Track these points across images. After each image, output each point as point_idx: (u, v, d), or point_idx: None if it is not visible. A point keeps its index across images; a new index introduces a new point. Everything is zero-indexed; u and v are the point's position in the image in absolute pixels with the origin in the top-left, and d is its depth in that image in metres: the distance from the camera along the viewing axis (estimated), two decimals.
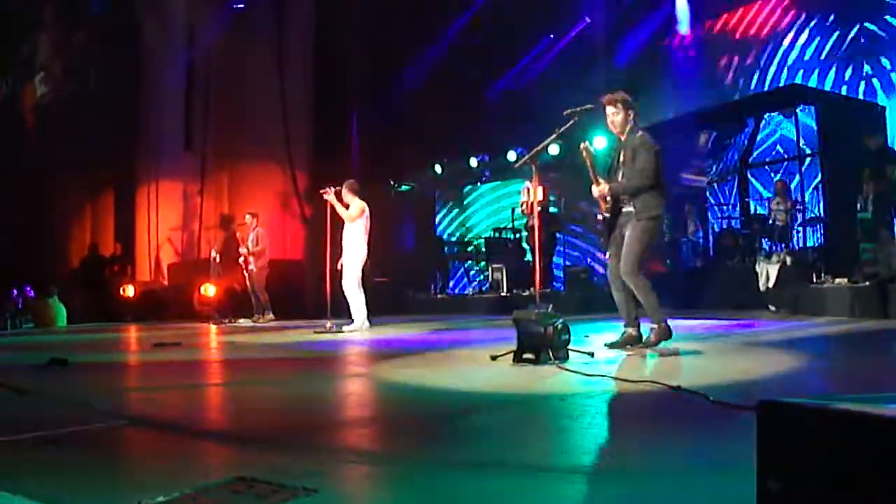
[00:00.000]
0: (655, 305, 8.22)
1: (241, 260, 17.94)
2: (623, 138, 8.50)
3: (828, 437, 1.96)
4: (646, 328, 8.22)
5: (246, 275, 17.95)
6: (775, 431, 2.08)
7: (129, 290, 21.73)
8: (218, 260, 18.98)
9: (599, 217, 8.77)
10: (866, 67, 17.71)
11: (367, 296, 13.52)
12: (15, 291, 20.98)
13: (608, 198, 8.47)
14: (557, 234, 18.74)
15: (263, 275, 17.75)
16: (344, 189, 13.59)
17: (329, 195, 13.38)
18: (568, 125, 8.38)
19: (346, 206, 13.44)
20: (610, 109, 8.47)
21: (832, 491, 1.92)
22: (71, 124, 24.86)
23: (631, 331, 8.36)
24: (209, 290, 18.93)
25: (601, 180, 8.54)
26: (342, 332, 12.96)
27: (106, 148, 24.26)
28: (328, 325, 13.19)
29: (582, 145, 8.63)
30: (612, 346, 8.28)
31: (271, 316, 17.59)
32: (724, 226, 18.19)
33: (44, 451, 4.00)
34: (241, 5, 23.27)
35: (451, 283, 22.16)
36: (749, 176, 18.82)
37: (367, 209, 13.53)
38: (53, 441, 4.20)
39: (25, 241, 24.60)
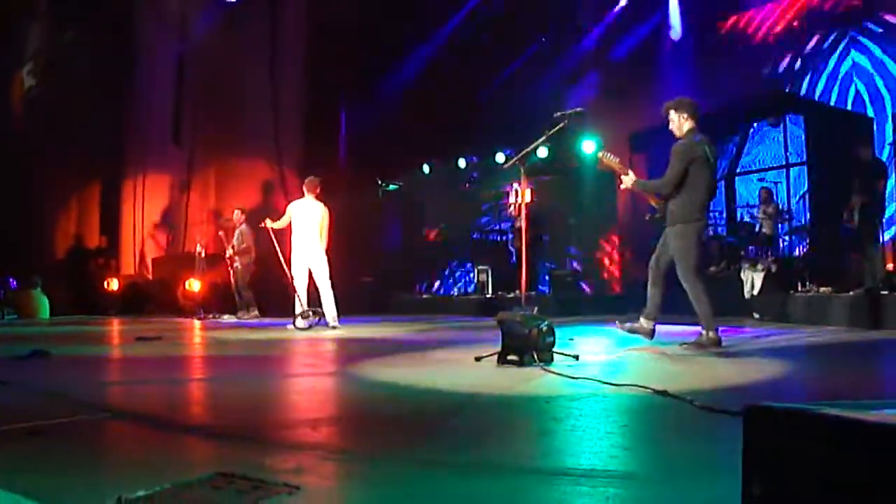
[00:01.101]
0: (707, 313, 8.60)
1: (226, 256, 17.92)
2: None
3: (814, 442, 1.96)
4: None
5: (231, 271, 17.91)
6: (762, 436, 2.07)
7: (114, 284, 21.67)
8: (203, 255, 18.93)
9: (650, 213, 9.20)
10: (856, 80, 17.76)
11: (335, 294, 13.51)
12: None
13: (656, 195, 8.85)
14: (544, 237, 18.74)
15: (249, 272, 17.71)
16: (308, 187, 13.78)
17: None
18: (557, 128, 8.40)
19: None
20: (670, 115, 8.93)
21: (817, 496, 1.92)
22: (58, 115, 24.74)
23: (644, 323, 8.94)
24: (193, 285, 18.90)
25: (629, 171, 9.06)
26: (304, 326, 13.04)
27: (93, 140, 24.14)
28: (301, 321, 13.21)
29: (599, 155, 9.32)
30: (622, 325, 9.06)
31: (256, 312, 17.56)
32: (710, 233, 18.22)
33: (27, 442, 3.98)
34: (234, 0, 23.25)
35: (436, 284, 22.16)
36: (736, 184, 18.86)
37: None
38: (36, 433, 4.17)
39: (9, 232, 24.50)
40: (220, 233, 18.02)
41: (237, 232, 17.71)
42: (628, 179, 9.04)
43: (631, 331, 9.18)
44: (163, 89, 24.08)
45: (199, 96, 24.40)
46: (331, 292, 13.31)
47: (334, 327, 13.08)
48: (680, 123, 8.87)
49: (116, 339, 13.19)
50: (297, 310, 13.53)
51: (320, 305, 13.37)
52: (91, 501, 2.88)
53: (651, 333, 8.98)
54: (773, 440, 2.04)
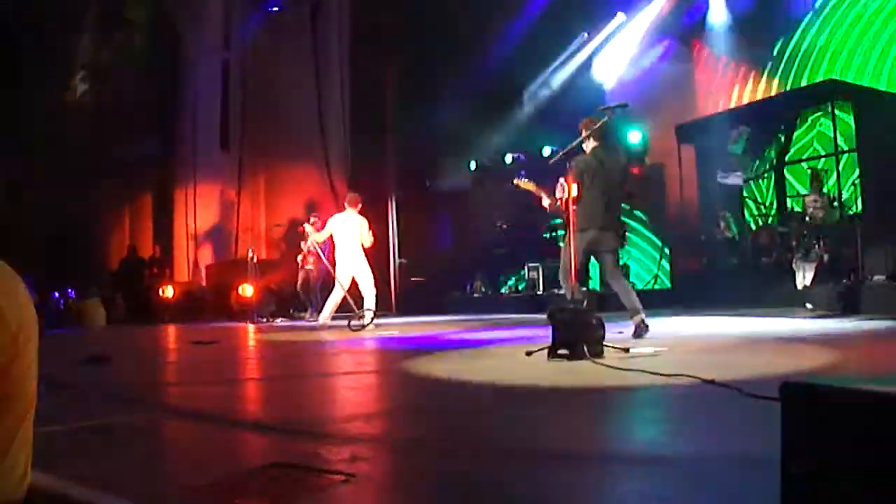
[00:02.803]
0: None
1: (300, 257, 18.17)
2: None
3: (853, 419, 1.98)
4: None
5: (301, 273, 18.12)
6: (799, 414, 2.11)
7: (168, 291, 21.92)
8: (255, 260, 19.11)
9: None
10: None
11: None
12: (56, 293, 21.25)
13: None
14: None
15: (322, 274, 17.66)
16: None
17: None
18: (602, 121, 8.43)
19: None
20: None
21: (856, 474, 1.94)
22: (109, 126, 25.11)
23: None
24: (247, 290, 19.07)
25: (542, 194, 9.76)
26: (369, 325, 13.31)
27: (144, 150, 24.49)
28: (357, 322, 13.41)
29: (515, 181, 10.16)
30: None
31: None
32: (761, 223, 18.07)
33: (92, 439, 4.10)
34: (277, 7, 23.41)
35: (487, 282, 22.16)
36: (786, 173, 18.67)
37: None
38: (98, 431, 4.30)
39: (66, 243, 24.89)
40: (309, 243, 17.79)
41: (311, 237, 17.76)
42: (546, 201, 9.66)
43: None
44: (210, 98, 24.30)
45: (245, 103, 24.63)
46: (373, 291, 13.94)
47: (363, 316, 13.64)
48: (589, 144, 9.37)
49: (173, 344, 13.37)
50: (328, 308, 14.27)
51: (358, 306, 13.96)
52: (153, 491, 2.98)
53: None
54: (811, 418, 2.07)
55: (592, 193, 9.26)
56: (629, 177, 9.69)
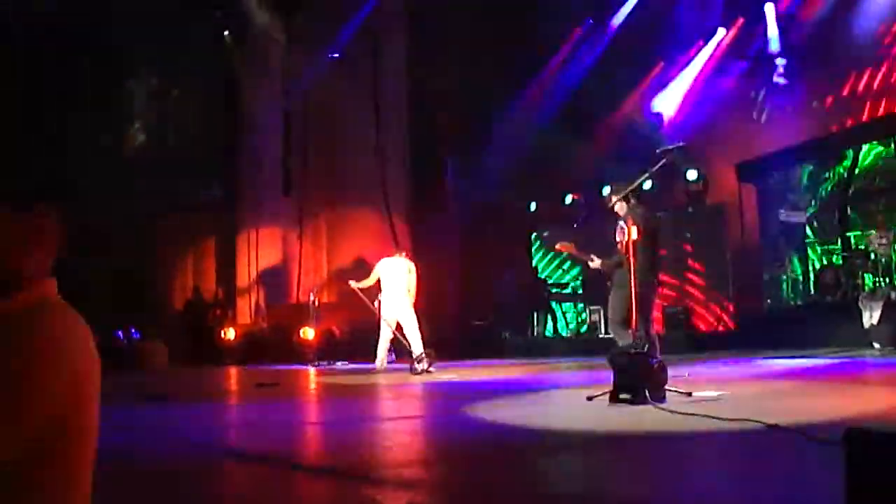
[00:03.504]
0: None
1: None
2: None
3: None
4: None
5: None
6: (860, 459, 2.08)
7: (230, 333, 22.09)
8: (317, 303, 19.19)
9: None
10: None
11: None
12: (120, 332, 21.54)
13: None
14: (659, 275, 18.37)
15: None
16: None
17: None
18: (661, 163, 8.39)
19: None
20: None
21: None
22: (172, 171, 25.53)
23: None
24: (308, 333, 19.15)
25: (592, 256, 9.75)
26: (429, 371, 13.19)
27: (207, 195, 24.86)
28: (417, 365, 13.34)
29: (557, 247, 10.50)
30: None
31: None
32: (825, 261, 17.81)
33: (153, 482, 4.14)
34: (337, 54, 23.66)
35: (548, 325, 22.07)
36: (849, 210, 18.40)
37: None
38: (161, 473, 4.34)
39: (131, 284, 25.26)
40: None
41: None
42: (596, 262, 9.67)
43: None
44: (271, 143, 24.56)
45: (306, 149, 24.85)
46: (419, 336, 13.77)
47: (422, 360, 13.41)
48: (622, 206, 9.27)
49: (235, 386, 13.48)
50: (380, 352, 14.16)
51: (410, 352, 13.73)
52: None
53: None
54: (874, 464, 2.05)
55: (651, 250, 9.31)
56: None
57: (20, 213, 2.33)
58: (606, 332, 17.52)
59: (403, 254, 14.50)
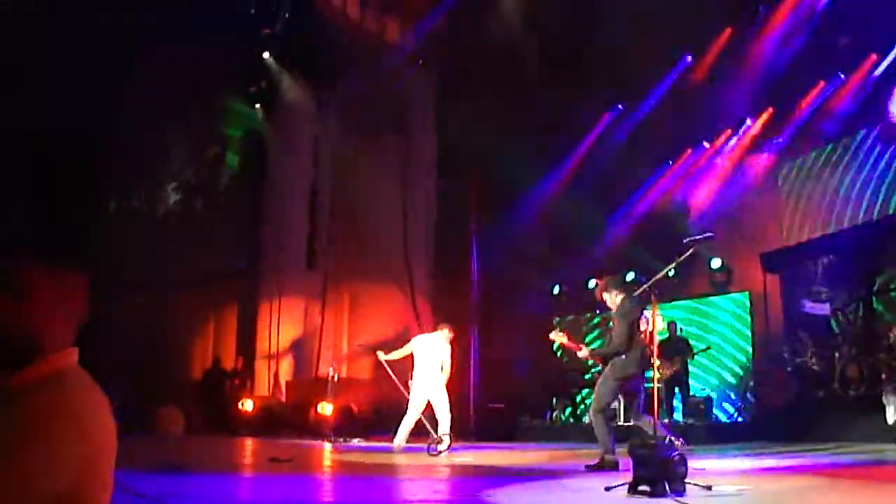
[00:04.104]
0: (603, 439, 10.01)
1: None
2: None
3: None
4: None
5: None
6: None
7: (248, 404, 21.97)
8: (336, 378, 19.09)
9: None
10: None
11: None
12: (137, 398, 21.50)
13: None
14: (689, 363, 18.21)
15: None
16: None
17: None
18: (687, 253, 8.36)
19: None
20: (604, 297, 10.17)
21: None
22: (197, 237, 25.71)
23: (608, 458, 9.75)
24: (326, 408, 19.04)
25: (581, 345, 10.71)
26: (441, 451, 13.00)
27: (230, 262, 24.96)
28: (435, 446, 13.14)
29: (551, 336, 11.43)
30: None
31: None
32: (848, 355, 17.61)
33: None
34: (366, 130, 23.89)
35: (567, 411, 21.89)
36: (874, 303, 18.25)
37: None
38: None
39: (150, 350, 25.30)
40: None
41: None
42: (583, 352, 10.49)
43: (596, 468, 9.75)
44: (297, 214, 24.71)
45: (332, 222, 24.97)
46: (448, 416, 13.60)
47: (441, 441, 13.25)
48: (613, 300, 10.02)
49: (249, 459, 13.38)
50: (402, 432, 13.85)
51: (434, 429, 13.54)
52: None
53: (616, 465, 9.55)
54: None
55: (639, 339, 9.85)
56: None
57: (50, 268, 2.31)
58: (626, 421, 17.35)
59: (446, 331, 14.14)
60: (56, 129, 23.63)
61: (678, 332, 18.36)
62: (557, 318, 22.27)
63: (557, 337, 11.20)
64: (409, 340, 14.50)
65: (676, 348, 17.72)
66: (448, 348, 14.03)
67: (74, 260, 2.46)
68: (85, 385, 2.27)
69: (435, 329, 14.45)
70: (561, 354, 21.55)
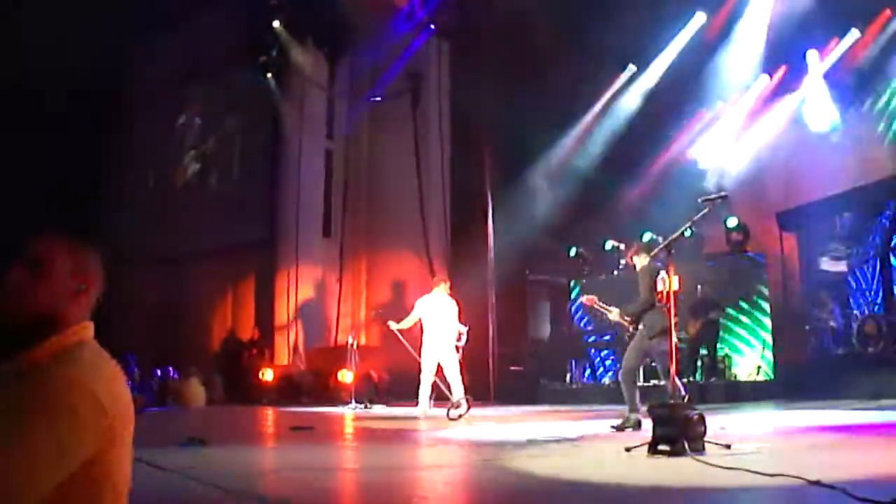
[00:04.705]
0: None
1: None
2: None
3: None
4: None
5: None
6: None
7: (268, 374, 22.04)
8: (355, 346, 19.14)
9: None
10: None
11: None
12: (158, 371, 21.65)
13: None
14: (720, 321, 18.13)
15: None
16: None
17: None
18: (703, 212, 8.32)
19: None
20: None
21: None
22: (215, 209, 25.77)
23: (633, 417, 9.97)
24: (346, 375, 19.09)
25: (612, 308, 10.71)
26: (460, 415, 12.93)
27: (248, 234, 24.99)
28: (455, 410, 13.06)
29: (582, 300, 12.00)
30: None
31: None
32: (867, 312, 17.56)
33: None
34: (379, 98, 23.84)
35: (587, 372, 21.91)
36: (892, 259, 18.17)
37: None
38: None
39: (169, 322, 25.43)
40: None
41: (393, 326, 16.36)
42: (614, 314, 10.60)
43: (620, 428, 9.98)
44: (313, 185, 24.68)
45: (347, 191, 24.97)
46: (459, 378, 13.42)
47: (459, 405, 13.10)
48: (641, 262, 10.47)
49: (271, 428, 13.45)
50: (423, 397, 13.67)
51: (449, 391, 13.44)
52: None
53: (640, 424, 9.73)
54: None
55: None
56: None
57: (67, 244, 2.35)
58: (645, 381, 17.38)
59: (443, 285, 14.06)
60: (71, 105, 23.79)
61: (709, 294, 18.34)
62: (573, 281, 22.16)
63: (590, 300, 11.25)
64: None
65: (705, 307, 17.70)
66: (453, 303, 13.85)
67: (90, 236, 2.48)
68: (100, 358, 2.30)
69: (433, 288, 14.21)
70: (581, 316, 21.56)
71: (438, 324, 13.64)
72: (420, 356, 13.71)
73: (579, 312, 21.89)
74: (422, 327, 13.87)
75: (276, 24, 23.97)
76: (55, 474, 2.07)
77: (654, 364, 11.57)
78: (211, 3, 24.07)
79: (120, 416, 2.23)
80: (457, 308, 13.91)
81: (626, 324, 10.47)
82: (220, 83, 25.84)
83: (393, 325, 14.00)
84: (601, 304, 10.98)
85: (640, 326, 10.18)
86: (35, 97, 22.44)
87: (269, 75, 24.51)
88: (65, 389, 2.12)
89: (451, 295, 14.05)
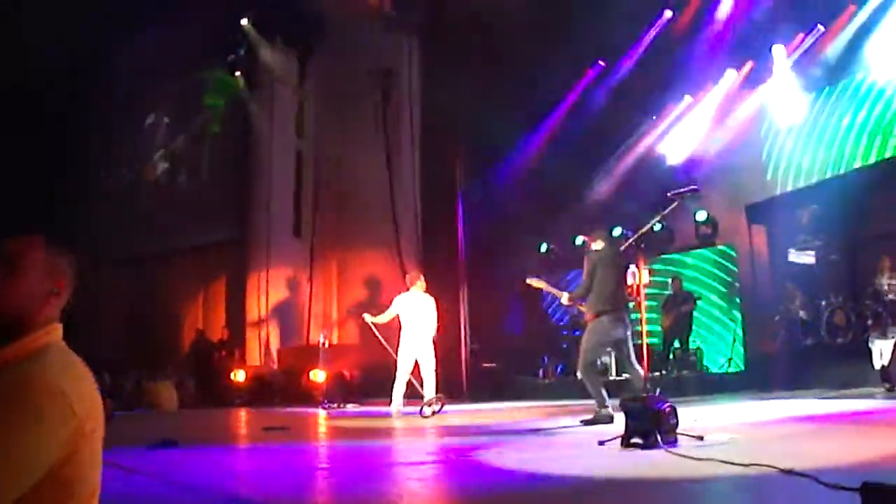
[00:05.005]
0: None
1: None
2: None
3: None
4: None
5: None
6: None
7: (240, 375, 21.93)
8: (326, 346, 19.11)
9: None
10: None
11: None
12: (129, 374, 21.51)
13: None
14: (694, 314, 18.28)
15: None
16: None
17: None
18: (672, 206, 8.37)
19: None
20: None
21: None
22: (184, 209, 25.63)
23: (603, 412, 9.98)
24: (318, 375, 19.05)
25: (562, 292, 10.85)
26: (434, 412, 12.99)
27: (218, 234, 24.90)
28: (428, 407, 13.10)
29: (527, 281, 11.68)
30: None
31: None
32: (835, 302, 17.69)
33: None
34: (350, 97, 23.81)
35: (559, 367, 21.96)
36: (859, 251, 18.32)
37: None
38: None
39: (140, 324, 25.28)
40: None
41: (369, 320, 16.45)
42: (565, 297, 10.69)
43: (591, 423, 9.94)
44: (283, 185, 24.61)
45: (318, 191, 24.91)
46: (433, 377, 13.41)
47: (433, 403, 13.20)
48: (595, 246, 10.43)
49: (244, 429, 13.40)
50: (397, 396, 13.56)
51: (423, 388, 13.43)
52: None
53: (612, 418, 9.61)
54: None
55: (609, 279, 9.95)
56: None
57: (40, 246, 2.33)
58: (618, 374, 17.45)
59: (419, 283, 14.03)
60: (39, 104, 23.62)
61: (682, 287, 18.49)
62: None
63: (535, 283, 11.47)
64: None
65: (678, 301, 17.84)
66: (431, 301, 13.83)
67: (63, 238, 2.47)
68: (69, 359, 2.28)
69: (409, 286, 14.16)
70: (554, 312, 21.62)
71: (418, 321, 13.59)
72: (396, 354, 13.68)
73: (552, 307, 22.00)
74: (400, 325, 13.80)
75: (244, 22, 23.87)
76: (26, 476, 2.05)
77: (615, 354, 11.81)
78: (180, 1, 23.93)
79: (89, 416, 2.21)
80: (435, 305, 13.87)
81: (582, 308, 10.56)
82: (189, 82, 25.69)
83: (368, 318, 13.95)
84: (550, 287, 11.48)
85: (591, 323, 10.24)
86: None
87: (237, 74, 24.41)
88: (33, 390, 2.10)
89: (426, 292, 14.03)
